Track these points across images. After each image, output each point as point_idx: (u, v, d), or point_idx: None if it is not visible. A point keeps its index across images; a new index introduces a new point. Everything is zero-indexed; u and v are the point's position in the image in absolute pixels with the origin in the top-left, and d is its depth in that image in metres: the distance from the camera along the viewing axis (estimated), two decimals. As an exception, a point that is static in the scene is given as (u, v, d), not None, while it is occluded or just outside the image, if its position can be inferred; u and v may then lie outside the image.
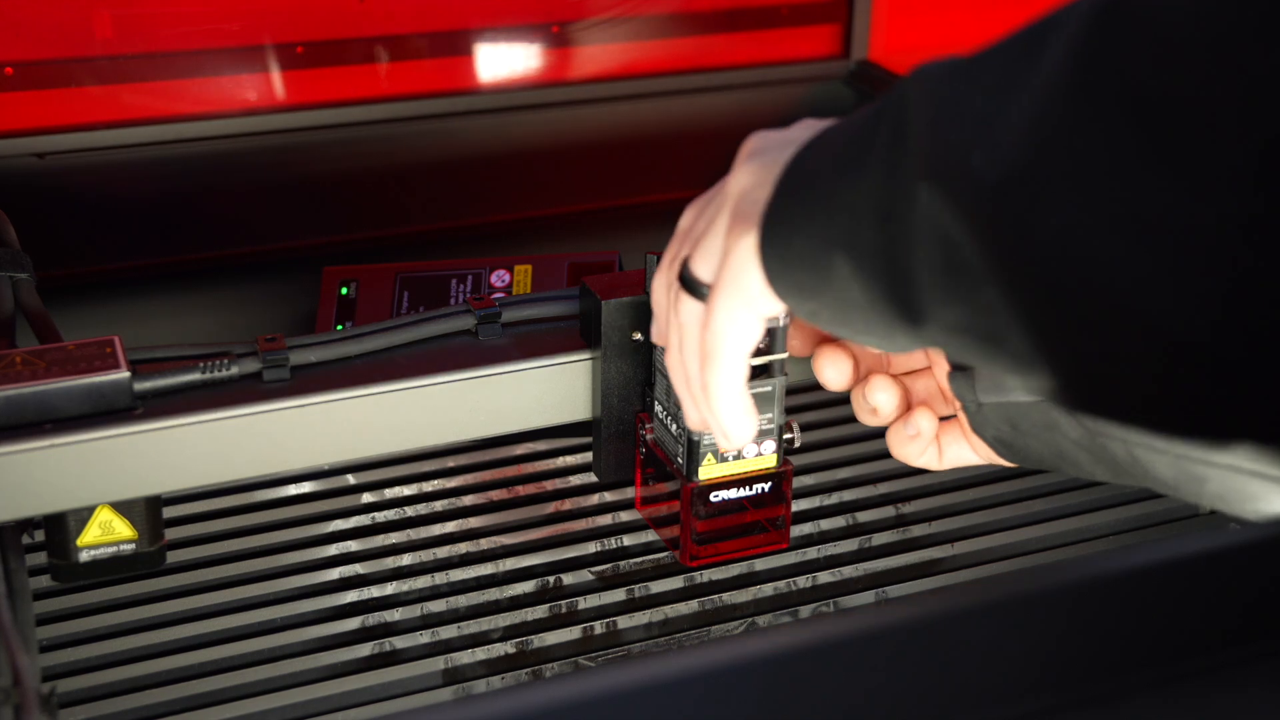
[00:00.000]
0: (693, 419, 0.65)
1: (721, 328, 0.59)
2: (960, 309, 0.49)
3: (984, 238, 0.46)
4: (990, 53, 0.49)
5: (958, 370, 0.66)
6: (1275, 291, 0.40)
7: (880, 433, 1.06)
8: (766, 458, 0.72)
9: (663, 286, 0.64)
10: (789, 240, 0.55)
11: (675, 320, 0.63)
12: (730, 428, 0.63)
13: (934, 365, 0.70)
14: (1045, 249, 0.44)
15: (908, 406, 0.69)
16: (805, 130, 0.58)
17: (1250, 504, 0.57)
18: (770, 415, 0.70)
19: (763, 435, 0.71)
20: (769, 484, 0.73)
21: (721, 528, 0.73)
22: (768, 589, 0.93)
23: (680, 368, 0.63)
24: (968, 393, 0.66)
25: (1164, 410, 0.46)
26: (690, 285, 0.61)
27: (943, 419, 0.70)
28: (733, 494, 0.72)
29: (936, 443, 0.69)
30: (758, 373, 0.69)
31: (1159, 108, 0.41)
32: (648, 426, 0.74)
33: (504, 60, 1.24)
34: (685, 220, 0.64)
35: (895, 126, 0.50)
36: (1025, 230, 0.45)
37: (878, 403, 0.68)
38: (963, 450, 0.69)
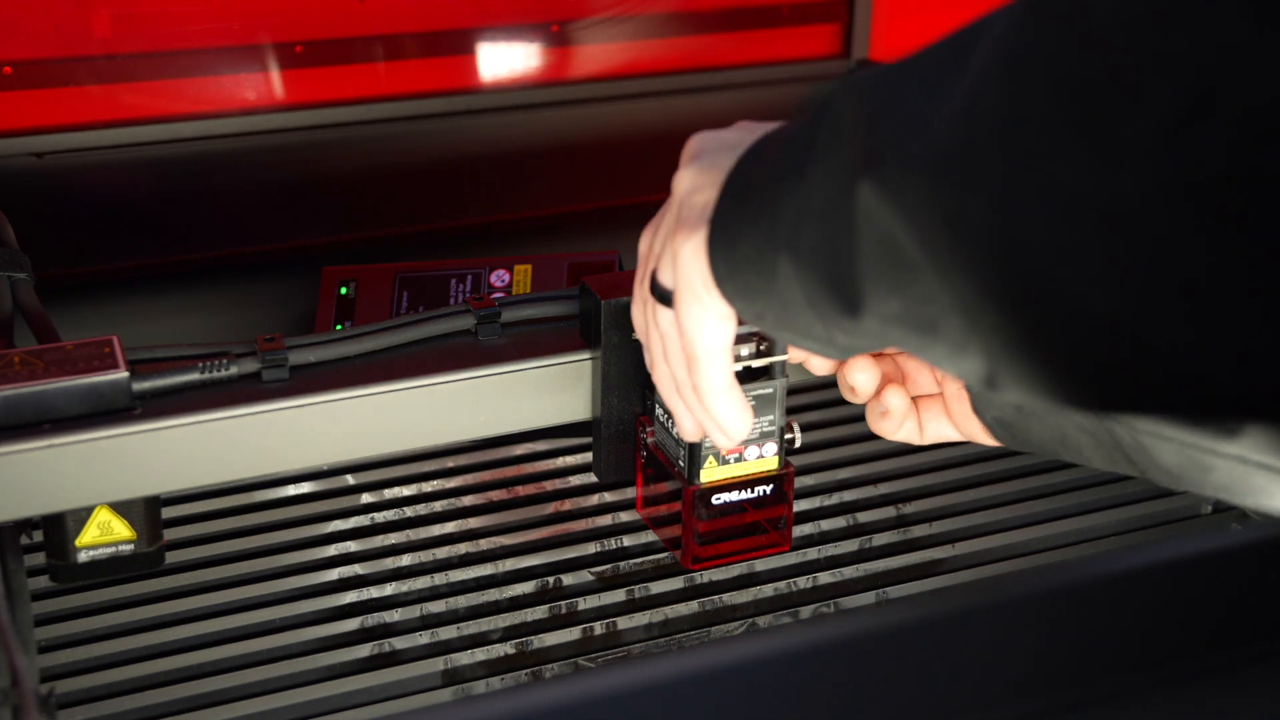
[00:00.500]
0: (687, 428, 0.66)
1: (691, 331, 0.61)
2: (898, 300, 0.50)
3: (920, 226, 0.48)
4: (922, 56, 0.50)
5: None
6: (1188, 265, 0.41)
7: (881, 433, 1.06)
8: (768, 460, 0.72)
9: (638, 306, 0.66)
10: (734, 246, 0.56)
11: (655, 332, 0.64)
12: (727, 424, 0.64)
13: None
14: (977, 231, 0.46)
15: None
16: (745, 133, 0.60)
17: (1253, 497, 0.57)
18: (771, 417, 0.70)
19: (764, 437, 0.71)
20: (770, 486, 0.73)
21: (723, 530, 0.73)
22: (768, 590, 0.93)
23: (669, 378, 0.65)
24: None
25: (1088, 389, 0.47)
26: (660, 295, 0.62)
27: (927, 396, 0.71)
28: (734, 496, 0.72)
29: (917, 418, 0.70)
30: (758, 374, 0.69)
31: (1080, 89, 0.43)
32: (649, 430, 0.74)
33: (503, 59, 1.24)
34: (644, 243, 0.66)
35: (832, 129, 0.52)
36: (959, 214, 0.46)
37: (856, 383, 0.69)
38: (943, 427, 0.70)
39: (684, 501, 0.72)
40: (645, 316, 0.65)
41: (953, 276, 0.47)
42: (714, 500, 0.72)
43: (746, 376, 0.69)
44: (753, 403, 0.70)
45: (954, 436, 0.71)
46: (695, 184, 0.60)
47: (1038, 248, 0.44)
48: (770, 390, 0.70)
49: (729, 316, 0.60)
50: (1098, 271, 0.43)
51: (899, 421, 0.70)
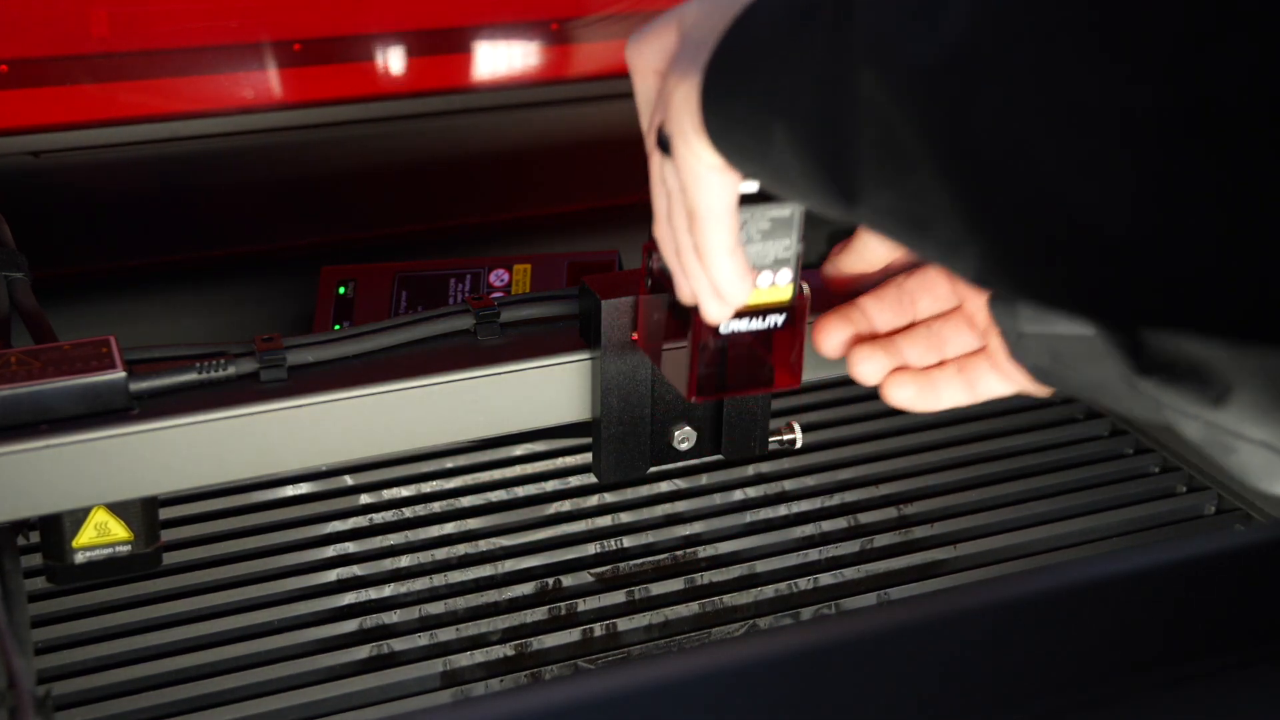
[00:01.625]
0: (684, 292, 0.63)
1: (690, 183, 0.59)
2: (891, 193, 0.49)
3: (919, 123, 0.47)
4: None
5: (998, 300, 0.64)
6: (1200, 188, 0.40)
7: (883, 434, 1.06)
8: (781, 288, 0.66)
9: (651, 156, 0.63)
10: (729, 102, 0.55)
11: (661, 187, 0.61)
12: (725, 288, 0.61)
13: (965, 299, 0.68)
14: (977, 135, 0.45)
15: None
16: None
17: (1268, 481, 0.57)
18: (787, 242, 0.65)
19: (779, 263, 0.66)
20: (783, 316, 0.67)
21: (730, 361, 0.68)
22: (769, 591, 0.92)
23: (669, 238, 0.62)
24: (1008, 322, 0.64)
25: (1088, 301, 0.46)
26: (664, 143, 0.60)
27: (970, 354, 0.68)
28: (743, 325, 0.67)
29: (963, 378, 0.68)
30: (773, 196, 0.64)
31: None
32: (655, 255, 0.68)
33: (503, 58, 1.24)
34: (640, 59, 0.62)
35: (838, 6, 0.50)
36: (959, 116, 0.45)
37: (861, 376, 0.67)
38: (993, 383, 0.67)
39: (691, 330, 0.67)
40: (653, 170, 0.62)
41: (950, 177, 0.46)
42: (721, 329, 0.66)
43: (760, 198, 0.63)
44: (768, 225, 0.65)
45: (1003, 391, 0.67)
46: (698, 21, 0.58)
47: (1041, 159, 0.43)
48: (787, 213, 0.64)
49: (727, 169, 0.58)
50: (1104, 187, 0.42)
51: (924, 401, 0.67)
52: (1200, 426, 0.57)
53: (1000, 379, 0.68)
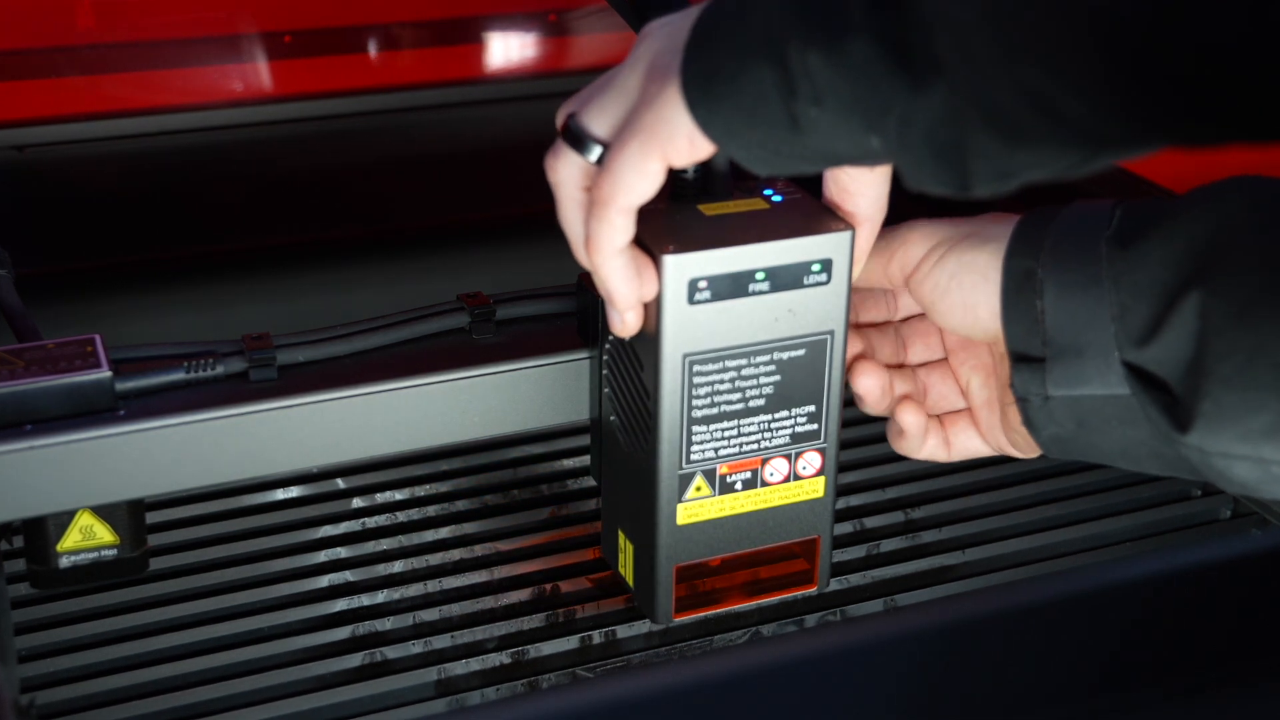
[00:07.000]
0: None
1: (621, 177, 0.59)
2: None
3: None
4: None
5: (1023, 363, 0.63)
6: None
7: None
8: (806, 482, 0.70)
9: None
10: (713, 66, 0.55)
11: (551, 176, 0.63)
12: (614, 290, 0.62)
13: (952, 352, 0.70)
14: None
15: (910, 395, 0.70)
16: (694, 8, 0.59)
17: None
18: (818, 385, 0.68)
19: (800, 437, 0.69)
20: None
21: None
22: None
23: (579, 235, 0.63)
24: (1034, 387, 0.63)
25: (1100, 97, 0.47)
26: (576, 138, 0.61)
27: (953, 411, 0.70)
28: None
29: (942, 434, 0.69)
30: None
31: None
32: None
33: (500, 49, 1.24)
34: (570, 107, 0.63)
35: None
36: None
37: (862, 390, 0.69)
38: (972, 441, 0.69)
39: None
40: (554, 165, 0.64)
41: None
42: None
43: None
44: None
45: (983, 451, 0.70)
46: (666, 44, 0.58)
47: None
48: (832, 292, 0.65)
49: (664, 172, 0.58)
50: None
51: (918, 440, 0.69)
52: (1252, 466, 0.56)
53: (979, 439, 0.69)
